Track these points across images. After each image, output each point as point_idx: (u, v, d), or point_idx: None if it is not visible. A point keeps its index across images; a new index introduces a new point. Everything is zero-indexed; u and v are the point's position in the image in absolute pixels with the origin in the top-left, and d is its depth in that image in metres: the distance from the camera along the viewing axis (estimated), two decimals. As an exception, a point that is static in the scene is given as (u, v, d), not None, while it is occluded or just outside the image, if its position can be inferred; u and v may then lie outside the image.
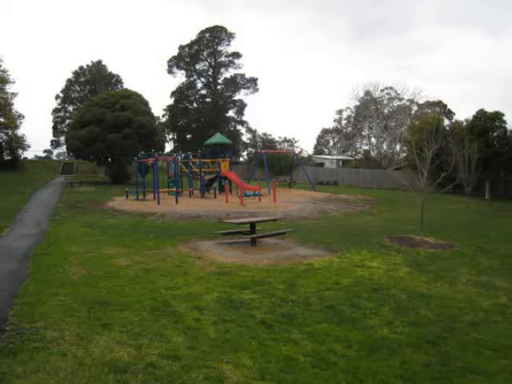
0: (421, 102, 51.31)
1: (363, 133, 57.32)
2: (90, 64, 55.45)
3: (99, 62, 55.83)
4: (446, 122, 39.87)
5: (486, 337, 5.67)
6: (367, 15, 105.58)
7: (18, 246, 10.68)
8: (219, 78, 58.15)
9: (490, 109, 30.20)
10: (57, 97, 54.89)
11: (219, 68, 57.61)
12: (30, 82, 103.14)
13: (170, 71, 57.69)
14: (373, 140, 54.51)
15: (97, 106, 33.28)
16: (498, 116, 29.30)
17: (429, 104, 50.14)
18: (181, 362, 4.66)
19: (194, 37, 56.50)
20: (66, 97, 54.75)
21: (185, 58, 56.92)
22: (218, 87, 58.09)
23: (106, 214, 17.43)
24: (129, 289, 7.24)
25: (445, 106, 49.74)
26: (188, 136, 57.79)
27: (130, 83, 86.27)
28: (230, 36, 56.51)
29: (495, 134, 29.25)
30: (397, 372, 4.67)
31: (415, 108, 52.41)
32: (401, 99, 53.41)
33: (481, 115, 29.65)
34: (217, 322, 5.93)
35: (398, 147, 50.93)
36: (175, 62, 57.31)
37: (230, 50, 57.25)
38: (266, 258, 9.95)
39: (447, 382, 4.56)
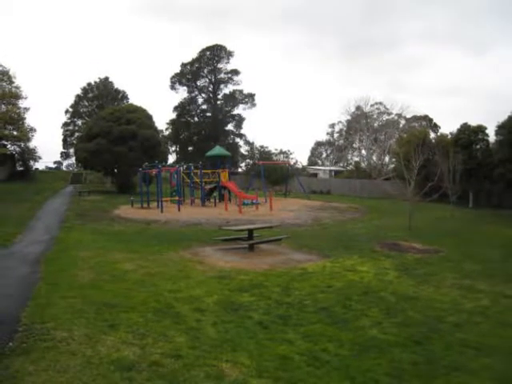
0: (408, 116, 51.67)
1: (354, 145, 57.45)
2: (98, 80, 55.73)
3: (106, 79, 56.08)
4: (432, 135, 40.04)
5: (469, 337, 5.70)
6: (357, 34, 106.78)
7: (30, 251, 10.67)
8: (219, 94, 58.60)
9: (473, 122, 30.34)
10: (66, 111, 55.17)
11: (219, 84, 58.01)
12: (41, 98, 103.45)
13: (172, 87, 58.15)
14: (363, 152, 54.66)
15: (104, 120, 33.41)
16: (481, 129, 29.40)
17: (416, 118, 50.48)
18: (183, 361, 4.68)
19: (195, 55, 57.14)
20: (75, 111, 54.95)
21: (186, 75, 57.33)
22: (218, 102, 58.44)
23: (112, 221, 17.43)
24: (134, 292, 7.25)
25: (431, 119, 50.14)
26: (189, 148, 57.98)
27: (135, 99, 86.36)
28: (230, 54, 57.06)
29: (478, 147, 29.32)
30: (386, 370, 4.70)
31: (403, 122, 52.69)
32: (390, 114, 53.75)
33: (465, 129, 29.76)
34: (217, 322, 5.94)
35: (386, 159, 51.06)
36: (177, 79, 57.72)
37: (230, 67, 57.80)
38: (263, 262, 9.96)
39: (433, 380, 4.59)
